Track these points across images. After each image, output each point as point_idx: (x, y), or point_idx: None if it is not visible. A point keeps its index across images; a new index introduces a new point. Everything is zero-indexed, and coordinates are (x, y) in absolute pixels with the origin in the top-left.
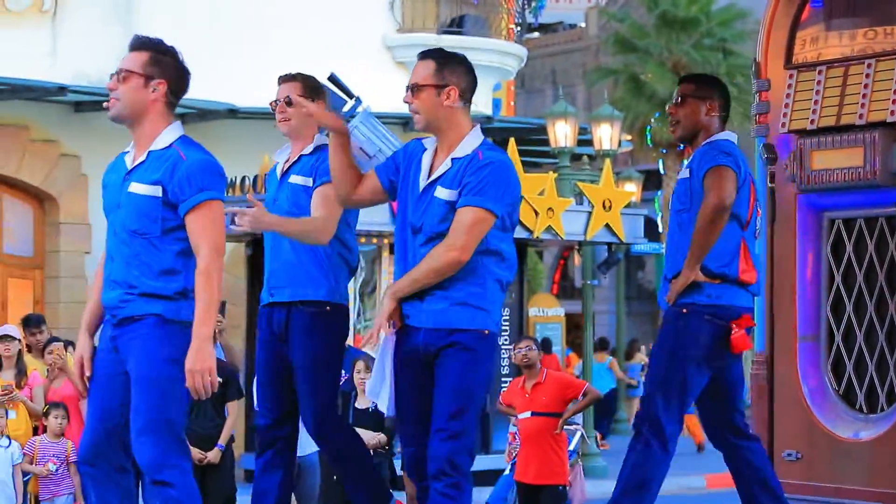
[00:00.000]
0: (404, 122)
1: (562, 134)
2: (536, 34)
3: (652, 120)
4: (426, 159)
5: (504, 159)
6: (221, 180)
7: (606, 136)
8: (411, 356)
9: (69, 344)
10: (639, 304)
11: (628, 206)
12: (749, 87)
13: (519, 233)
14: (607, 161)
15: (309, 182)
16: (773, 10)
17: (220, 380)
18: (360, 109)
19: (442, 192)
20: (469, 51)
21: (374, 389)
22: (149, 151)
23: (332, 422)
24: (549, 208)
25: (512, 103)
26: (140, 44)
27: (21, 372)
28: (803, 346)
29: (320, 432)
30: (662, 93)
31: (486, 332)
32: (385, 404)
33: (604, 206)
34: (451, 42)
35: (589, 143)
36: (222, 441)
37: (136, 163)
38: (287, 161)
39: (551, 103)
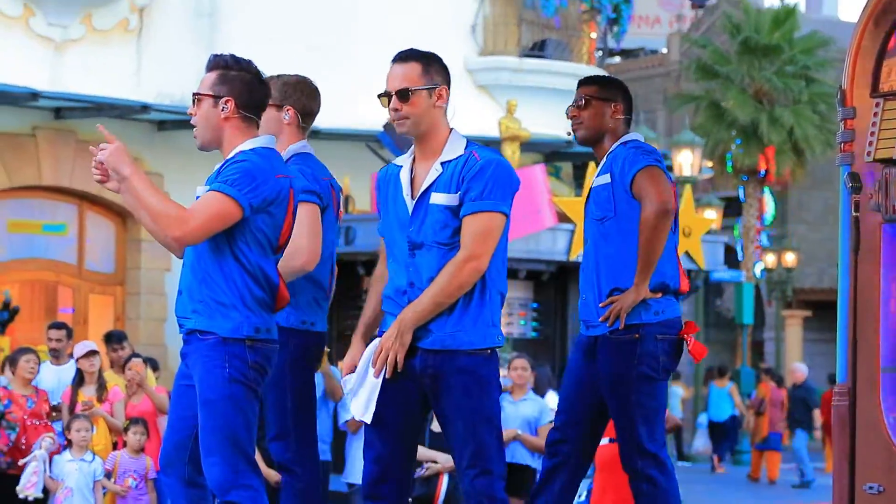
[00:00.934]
0: (485, 144)
1: None
2: (618, 59)
3: (732, 146)
4: (404, 175)
5: (502, 158)
6: (251, 183)
7: (687, 162)
8: (404, 375)
9: (149, 360)
10: (717, 332)
11: (708, 232)
12: (831, 115)
13: None
14: (688, 187)
15: None
16: (860, 38)
17: None
18: None
19: (439, 198)
20: (550, 75)
21: (349, 398)
22: (225, 160)
23: (285, 445)
24: None
25: None
26: (211, 64)
27: (102, 387)
28: (886, 378)
29: (277, 453)
30: (743, 120)
31: (490, 350)
32: (357, 410)
33: (683, 233)
34: (532, 66)
35: (669, 168)
36: None
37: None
38: None
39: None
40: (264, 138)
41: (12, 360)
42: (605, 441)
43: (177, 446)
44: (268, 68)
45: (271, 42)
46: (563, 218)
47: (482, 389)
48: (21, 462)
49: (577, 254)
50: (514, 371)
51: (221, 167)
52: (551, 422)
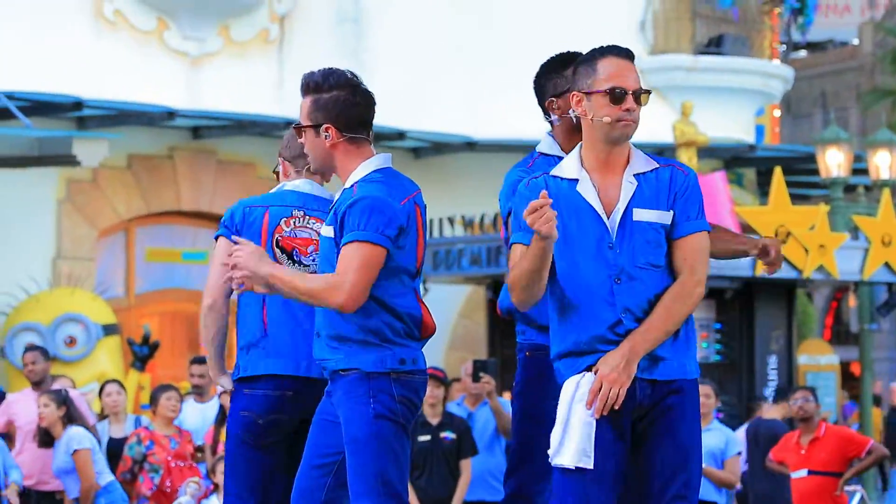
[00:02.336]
0: (658, 151)
1: (834, 162)
2: (803, 53)
3: None
4: (588, 190)
5: None
6: (382, 218)
7: (884, 163)
8: (620, 408)
9: None
10: None
11: None
12: None
13: (787, 272)
14: (886, 191)
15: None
16: None
17: (455, 436)
18: None
19: (647, 214)
20: (729, 73)
21: (553, 442)
22: (342, 196)
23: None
24: (821, 245)
25: (777, 129)
26: (302, 88)
27: None
28: None
29: None
30: None
31: (697, 378)
32: (570, 458)
33: (882, 242)
34: (708, 63)
35: (864, 171)
36: (456, 502)
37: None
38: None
39: (821, 129)
40: (378, 158)
41: (153, 399)
42: (802, 473)
43: (310, 487)
44: (420, 78)
45: (422, 52)
46: (745, 229)
47: (695, 417)
48: None
49: (762, 269)
50: None
51: (341, 208)
52: (739, 454)
